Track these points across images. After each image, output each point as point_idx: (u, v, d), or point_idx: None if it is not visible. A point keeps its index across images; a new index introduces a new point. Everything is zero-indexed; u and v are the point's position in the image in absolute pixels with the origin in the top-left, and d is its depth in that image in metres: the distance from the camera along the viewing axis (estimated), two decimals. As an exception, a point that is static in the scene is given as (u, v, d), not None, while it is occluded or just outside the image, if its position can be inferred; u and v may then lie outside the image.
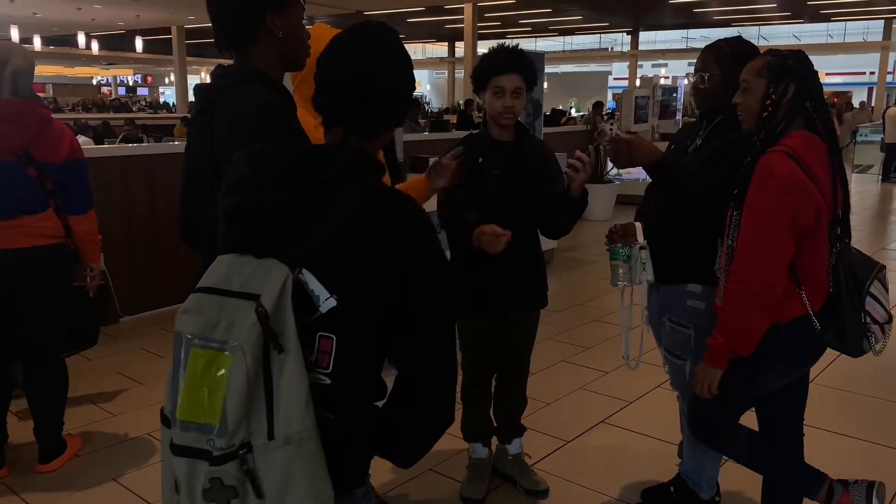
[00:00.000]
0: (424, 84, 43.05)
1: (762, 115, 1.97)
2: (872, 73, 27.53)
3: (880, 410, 3.67)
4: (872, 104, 26.59)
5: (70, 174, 2.87)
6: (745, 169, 1.98)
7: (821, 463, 2.29)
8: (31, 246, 2.78)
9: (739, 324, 1.96)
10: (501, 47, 2.52)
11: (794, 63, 1.96)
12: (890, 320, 2.05)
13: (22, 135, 2.74)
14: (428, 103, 27.03)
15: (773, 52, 2.02)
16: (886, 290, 2.05)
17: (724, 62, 2.22)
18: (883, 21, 26.27)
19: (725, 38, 2.33)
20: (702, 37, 32.25)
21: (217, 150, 1.60)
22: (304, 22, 1.79)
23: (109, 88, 41.33)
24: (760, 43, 27.90)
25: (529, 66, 2.49)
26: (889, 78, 27.70)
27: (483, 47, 19.15)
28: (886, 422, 3.53)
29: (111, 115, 19.16)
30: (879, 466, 3.08)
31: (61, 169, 2.84)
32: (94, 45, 25.26)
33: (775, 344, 2.00)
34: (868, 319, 1.99)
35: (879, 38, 26.98)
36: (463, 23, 19.50)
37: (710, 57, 2.27)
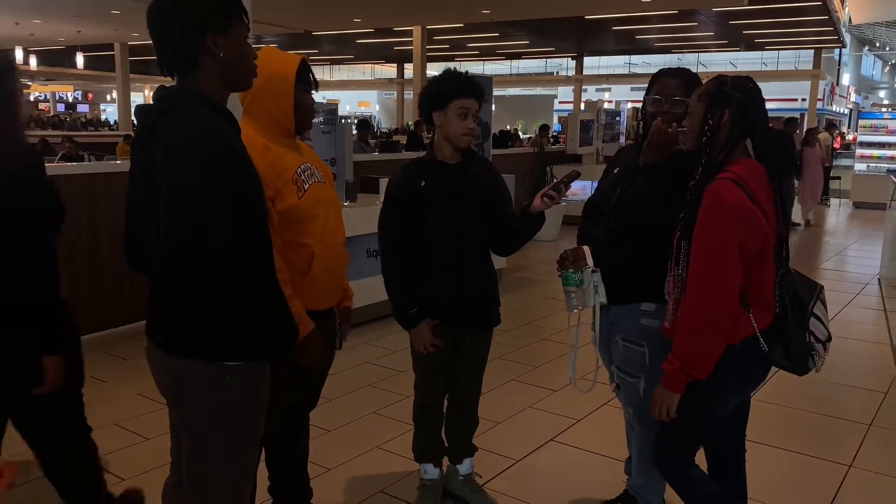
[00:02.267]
0: (374, 104, 43.10)
1: (701, 140, 2.04)
2: (804, 99, 28.78)
3: (812, 424, 3.81)
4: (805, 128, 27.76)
5: None
6: (690, 194, 2.04)
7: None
8: None
9: (695, 348, 2.01)
10: (458, 72, 2.58)
11: (732, 89, 2.03)
12: (830, 338, 2.13)
13: None
14: (379, 123, 27.09)
15: (718, 78, 2.08)
16: (826, 309, 2.15)
17: (690, 90, 2.24)
18: (813, 51, 27.54)
19: (681, 68, 2.42)
20: (643, 62, 33.22)
21: (156, 173, 1.60)
22: (250, 41, 1.79)
23: (48, 104, 40.13)
24: (699, 69, 28.82)
25: (483, 93, 2.59)
26: (819, 104, 28.97)
27: (432, 69, 19.29)
28: (818, 434, 3.67)
29: (49, 132, 18.60)
30: (812, 477, 3.20)
31: None
32: (33, 61, 24.56)
33: (729, 365, 2.06)
34: (812, 339, 2.06)
35: (810, 66, 28.24)
36: (412, 45, 19.67)
37: (679, 84, 2.33)
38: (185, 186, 1.55)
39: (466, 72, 2.60)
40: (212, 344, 1.65)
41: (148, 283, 1.73)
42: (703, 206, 1.98)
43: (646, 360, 2.42)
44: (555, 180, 2.47)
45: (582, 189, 11.08)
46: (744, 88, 2.04)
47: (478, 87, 2.55)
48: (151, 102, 1.71)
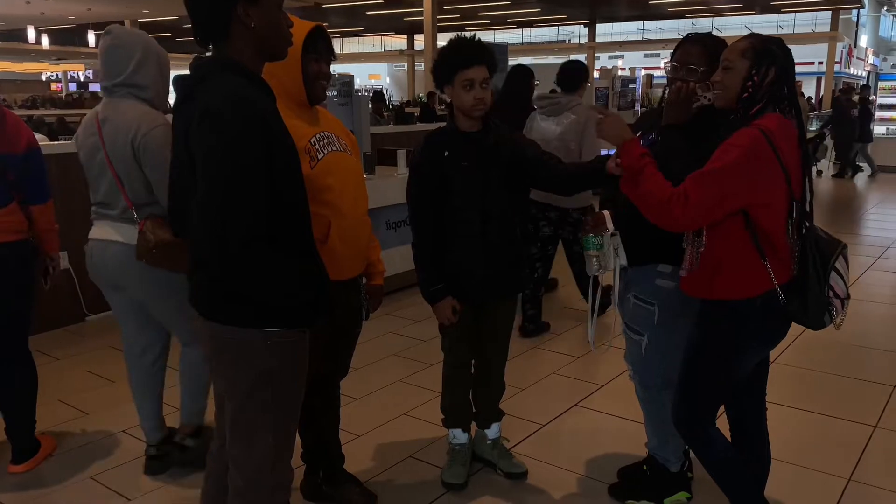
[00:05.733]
0: (384, 77, 42.82)
1: (742, 96, 2.03)
2: (821, 62, 28.29)
3: (836, 385, 3.82)
4: (822, 93, 27.37)
5: (31, 164, 2.85)
6: (716, 143, 2.03)
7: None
8: None
9: (642, 188, 2.06)
10: (462, 40, 2.54)
11: (776, 48, 2.04)
12: (848, 297, 2.15)
13: None
14: (390, 96, 26.95)
15: (757, 36, 2.08)
16: (848, 267, 2.15)
17: (711, 58, 2.22)
18: (830, 12, 27.00)
19: (708, 34, 2.38)
20: (657, 28, 32.71)
21: (192, 140, 1.62)
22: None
23: (60, 84, 40.22)
24: (714, 34, 28.38)
25: (492, 56, 2.53)
26: (837, 67, 28.48)
27: (442, 40, 19.17)
28: (842, 396, 3.68)
29: (60, 110, 18.64)
30: (838, 437, 3.22)
31: (22, 159, 2.81)
32: (45, 40, 24.60)
33: (750, 320, 2.09)
34: (831, 294, 2.08)
35: (827, 28, 27.72)
36: (422, 15, 19.48)
37: (699, 52, 2.29)
38: (217, 152, 1.57)
39: (473, 36, 2.55)
40: (251, 310, 1.68)
41: (189, 250, 1.76)
42: (722, 146, 1.98)
43: (654, 318, 2.47)
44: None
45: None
46: (785, 49, 2.05)
47: (483, 53, 2.49)
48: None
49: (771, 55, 2.02)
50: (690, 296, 2.21)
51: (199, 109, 1.61)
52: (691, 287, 2.19)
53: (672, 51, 2.44)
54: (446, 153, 2.56)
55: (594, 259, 2.48)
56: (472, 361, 2.83)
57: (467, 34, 2.59)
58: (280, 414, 1.80)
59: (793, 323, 2.16)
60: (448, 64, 2.51)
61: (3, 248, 2.78)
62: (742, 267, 2.06)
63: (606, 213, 2.49)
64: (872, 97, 14.15)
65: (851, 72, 33.17)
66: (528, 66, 5.39)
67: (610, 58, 33.84)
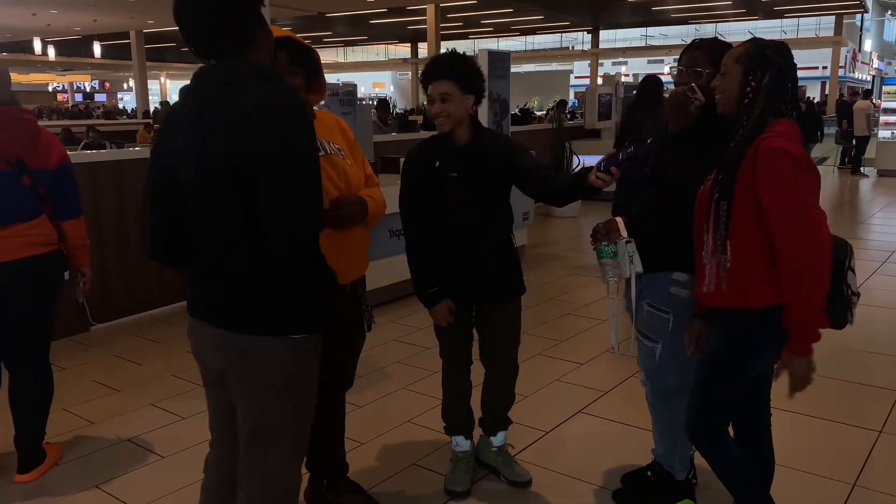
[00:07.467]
0: (388, 85, 42.94)
1: (743, 102, 2.03)
2: (825, 67, 28.28)
3: (840, 391, 3.81)
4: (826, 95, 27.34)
5: (63, 179, 2.88)
6: (732, 155, 2.01)
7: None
8: (24, 256, 2.77)
9: (809, 303, 1.94)
10: (435, 56, 2.59)
11: (773, 52, 2.02)
12: (858, 294, 2.15)
13: (15, 143, 2.74)
14: (394, 105, 27.04)
15: (755, 40, 2.08)
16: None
17: (716, 61, 2.20)
18: (834, 17, 27.00)
19: (713, 39, 2.40)
20: (660, 34, 32.73)
21: (232, 143, 1.54)
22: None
23: (66, 95, 40.46)
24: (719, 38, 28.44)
25: (459, 69, 2.51)
26: (841, 72, 28.46)
27: (446, 48, 19.34)
28: (847, 401, 3.67)
29: (69, 121, 18.74)
30: (843, 443, 3.21)
31: (53, 174, 2.84)
32: (51, 51, 24.77)
33: (770, 326, 2.05)
34: (849, 292, 2.08)
35: (831, 33, 27.73)
36: (425, 24, 19.58)
37: (704, 56, 2.30)
38: (292, 146, 1.51)
39: (451, 51, 2.59)
40: (279, 318, 1.67)
41: (199, 265, 1.73)
42: (759, 162, 1.93)
43: (668, 327, 2.45)
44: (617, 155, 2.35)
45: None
46: (784, 54, 2.04)
47: (442, 69, 2.50)
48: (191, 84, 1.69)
49: (766, 60, 2.01)
50: (717, 307, 2.15)
51: (246, 107, 1.53)
52: (719, 300, 2.12)
53: (677, 56, 2.46)
54: (437, 164, 2.58)
55: (608, 267, 2.45)
56: (471, 368, 2.84)
57: (447, 49, 2.62)
58: (298, 420, 1.80)
59: None
60: (421, 79, 2.59)
61: (30, 261, 2.80)
62: (765, 276, 2.02)
63: (620, 219, 2.45)
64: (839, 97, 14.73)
65: (856, 76, 33.13)
66: (655, 76, 5.96)
67: (613, 64, 33.86)
